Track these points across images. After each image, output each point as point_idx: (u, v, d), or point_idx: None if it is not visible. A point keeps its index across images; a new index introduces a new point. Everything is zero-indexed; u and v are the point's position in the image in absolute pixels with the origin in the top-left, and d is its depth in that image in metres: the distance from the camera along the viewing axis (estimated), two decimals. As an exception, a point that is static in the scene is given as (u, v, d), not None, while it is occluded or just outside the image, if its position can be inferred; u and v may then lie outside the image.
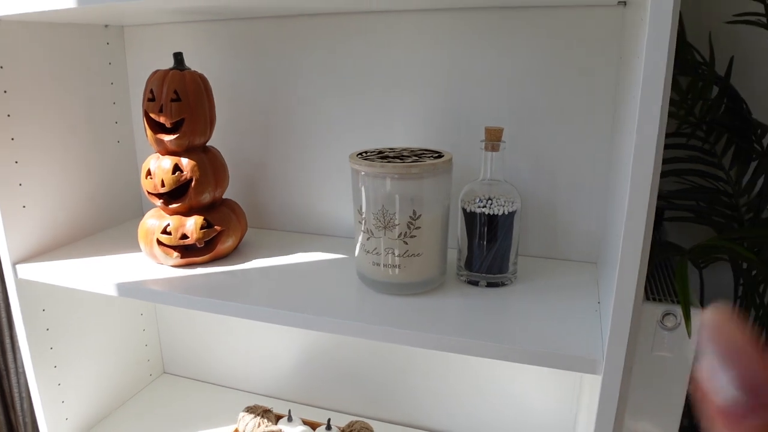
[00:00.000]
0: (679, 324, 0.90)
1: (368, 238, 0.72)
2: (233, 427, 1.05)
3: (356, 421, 0.95)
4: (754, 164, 1.07)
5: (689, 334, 0.85)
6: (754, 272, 1.09)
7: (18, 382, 1.29)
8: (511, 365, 0.96)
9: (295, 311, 0.71)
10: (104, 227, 1.05)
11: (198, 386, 1.20)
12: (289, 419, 1.00)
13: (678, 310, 0.89)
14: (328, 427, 0.97)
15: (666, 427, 0.97)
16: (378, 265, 0.73)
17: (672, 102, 1.06)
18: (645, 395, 0.95)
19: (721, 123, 1.06)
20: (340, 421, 1.07)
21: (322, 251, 0.92)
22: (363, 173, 0.71)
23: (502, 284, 0.78)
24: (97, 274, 0.84)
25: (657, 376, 0.94)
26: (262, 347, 1.13)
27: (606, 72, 0.79)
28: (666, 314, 0.91)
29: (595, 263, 0.87)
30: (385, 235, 0.71)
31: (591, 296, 0.75)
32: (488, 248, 0.76)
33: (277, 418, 1.02)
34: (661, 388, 0.95)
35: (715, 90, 1.06)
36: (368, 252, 0.73)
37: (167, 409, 1.12)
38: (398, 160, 0.70)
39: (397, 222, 0.70)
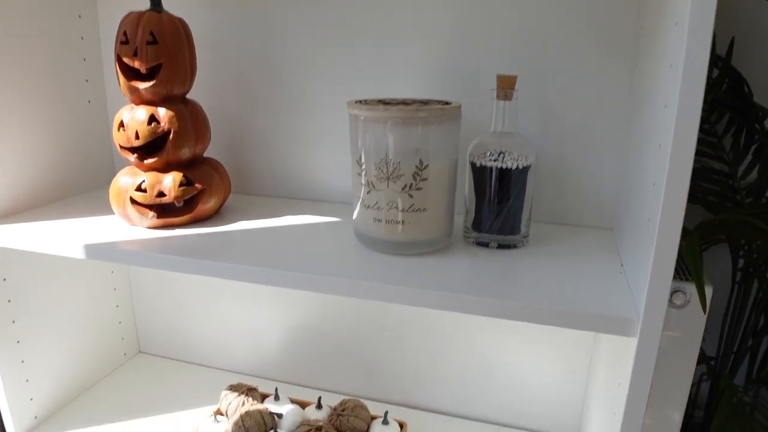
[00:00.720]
0: (689, 301, 0.86)
1: (368, 192, 0.65)
2: (215, 407, 0.97)
3: (349, 400, 0.88)
4: (754, 147, 1.04)
5: (705, 309, 0.80)
6: (755, 255, 1.05)
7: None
8: (517, 341, 0.90)
9: (285, 269, 0.63)
10: (73, 193, 0.96)
11: (176, 366, 1.12)
12: (276, 398, 0.92)
13: (687, 286, 0.85)
14: (319, 406, 0.90)
15: (673, 407, 0.92)
16: (379, 221, 0.65)
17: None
18: (653, 376, 0.90)
19: (722, 101, 1.01)
20: (332, 400, 1.00)
21: (315, 214, 0.85)
22: (363, 118, 0.63)
23: (514, 246, 0.71)
24: (63, 236, 0.75)
25: (665, 356, 0.89)
26: (246, 323, 1.05)
27: (626, 21, 0.72)
28: (675, 291, 0.86)
29: (610, 229, 0.80)
30: (388, 187, 0.64)
31: (611, 260, 0.68)
32: (499, 207, 0.69)
33: (263, 397, 0.95)
34: (668, 369, 0.90)
35: (716, 72, 1.01)
36: (368, 207, 0.66)
37: (143, 390, 1.04)
38: (403, 106, 0.63)
39: (401, 172, 0.63)
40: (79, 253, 0.72)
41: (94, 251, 0.72)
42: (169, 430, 0.92)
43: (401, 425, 0.88)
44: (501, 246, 0.71)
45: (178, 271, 0.67)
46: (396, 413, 0.97)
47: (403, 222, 0.65)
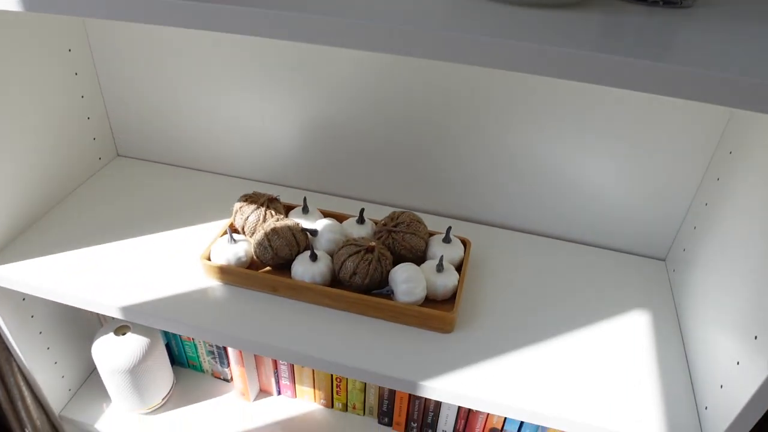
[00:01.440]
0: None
1: None
2: (227, 221, 0.79)
3: (402, 212, 0.70)
4: None
5: None
6: None
7: None
8: (601, 147, 0.70)
9: (329, 16, 0.39)
10: None
11: (168, 171, 0.91)
12: (305, 210, 0.74)
13: None
14: (361, 219, 0.72)
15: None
16: (502, -53, 0.40)
17: None
18: None
19: None
20: (374, 213, 0.82)
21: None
22: None
23: (681, 4, 0.48)
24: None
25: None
26: (256, 115, 0.82)
27: None
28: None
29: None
30: None
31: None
32: (674, -68, 0.44)
33: (288, 209, 0.76)
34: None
35: None
36: None
37: (129, 203, 0.84)
38: None
39: None
40: (6, 3, 0.46)
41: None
42: (171, 251, 0.75)
43: (464, 243, 0.72)
44: (666, 2, 0.47)
45: (162, 23, 0.43)
46: (456, 229, 0.81)
47: (542, -53, 0.40)
